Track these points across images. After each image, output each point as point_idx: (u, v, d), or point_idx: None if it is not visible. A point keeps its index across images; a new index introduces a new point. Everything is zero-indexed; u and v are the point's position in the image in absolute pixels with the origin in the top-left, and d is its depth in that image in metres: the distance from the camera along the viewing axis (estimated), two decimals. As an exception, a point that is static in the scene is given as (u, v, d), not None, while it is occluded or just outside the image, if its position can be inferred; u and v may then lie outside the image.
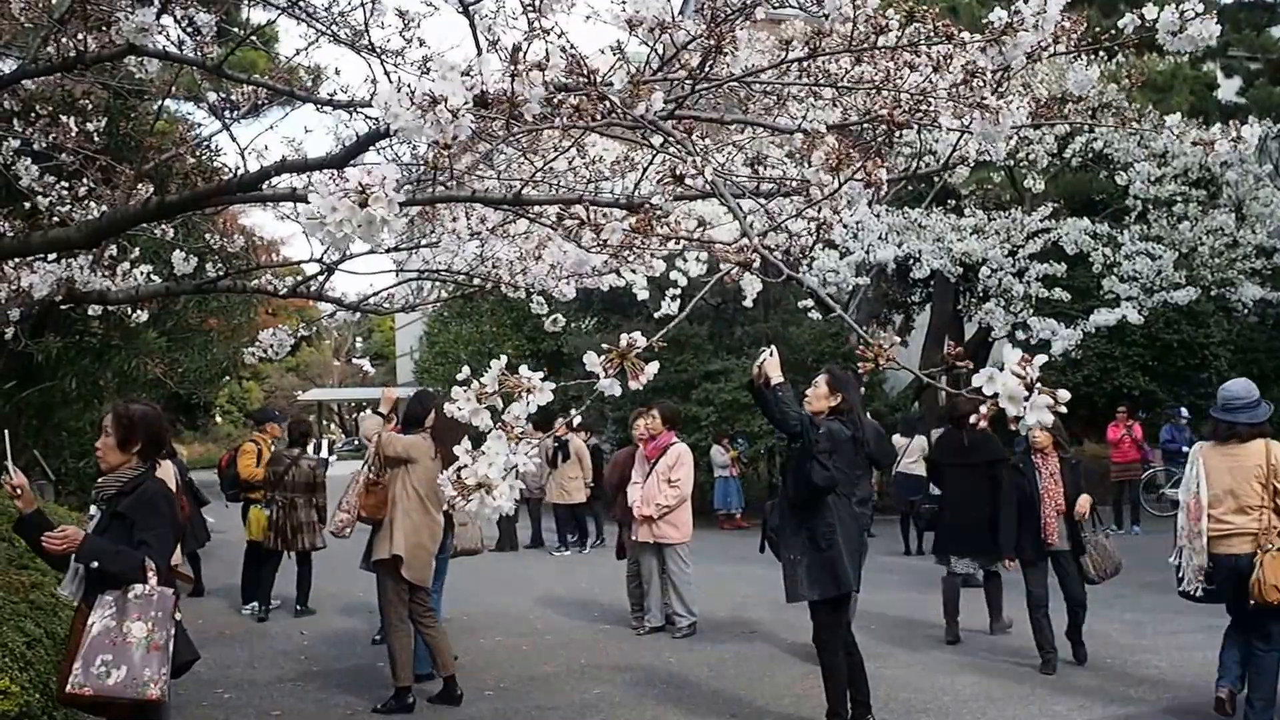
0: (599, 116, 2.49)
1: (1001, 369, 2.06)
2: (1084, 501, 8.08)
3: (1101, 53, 14.56)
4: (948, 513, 9.49)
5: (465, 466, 2.37)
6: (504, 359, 2.56)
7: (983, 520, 8.72)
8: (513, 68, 2.33)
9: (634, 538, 9.78)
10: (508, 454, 2.36)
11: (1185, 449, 18.15)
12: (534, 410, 2.50)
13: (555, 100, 2.46)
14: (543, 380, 2.55)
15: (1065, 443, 8.40)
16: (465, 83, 2.23)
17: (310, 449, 11.85)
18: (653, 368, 2.49)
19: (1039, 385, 1.99)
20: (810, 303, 19.06)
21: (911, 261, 17.42)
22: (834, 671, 6.42)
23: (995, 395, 2.03)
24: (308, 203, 2.29)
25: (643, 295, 7.56)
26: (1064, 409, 2.03)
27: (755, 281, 8.70)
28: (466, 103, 2.21)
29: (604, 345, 2.43)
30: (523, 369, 2.51)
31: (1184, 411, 18.81)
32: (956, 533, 9.20)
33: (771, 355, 6.15)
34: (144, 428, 4.52)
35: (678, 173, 2.49)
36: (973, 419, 2.19)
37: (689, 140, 2.53)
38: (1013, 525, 8.22)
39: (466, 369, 2.60)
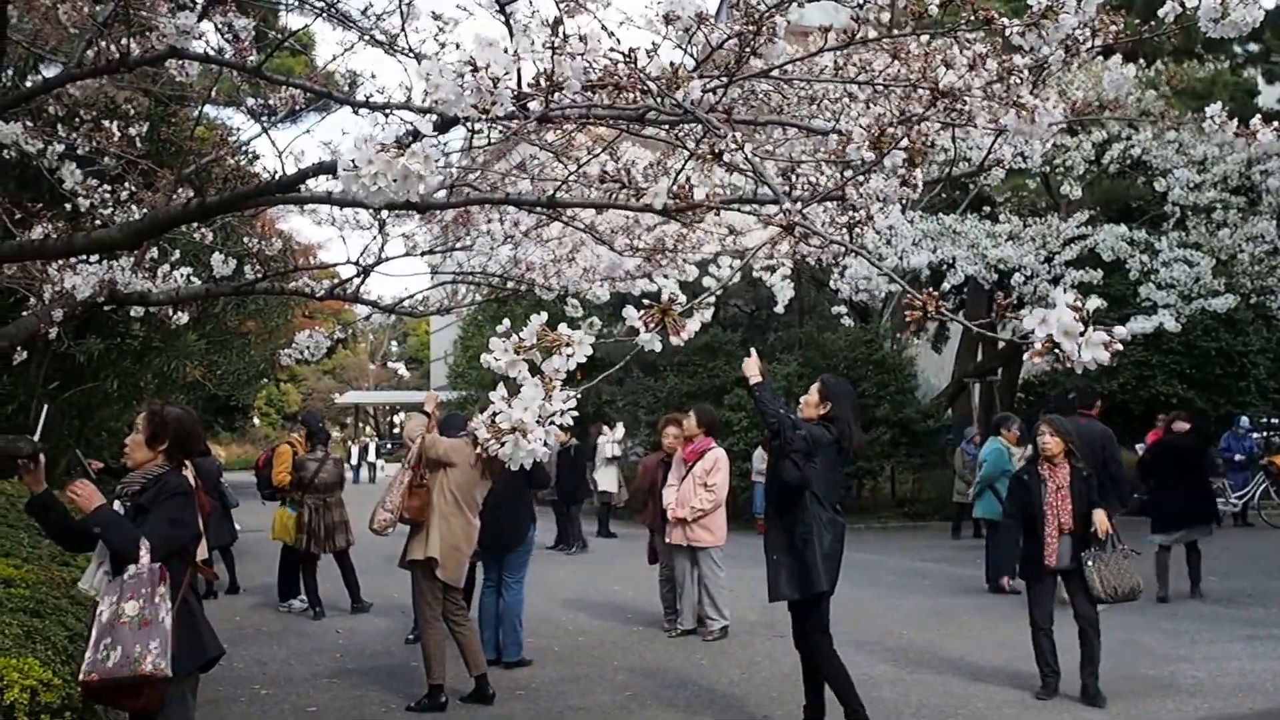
0: (637, 99, 2.50)
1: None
2: (1100, 517, 7.35)
3: (1141, 59, 14.49)
4: (1161, 498, 11.84)
5: (500, 412, 2.37)
6: (544, 315, 2.56)
7: (1188, 504, 11.49)
8: (552, 41, 2.35)
9: (667, 540, 9.81)
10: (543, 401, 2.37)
11: (1240, 457, 18.05)
12: (574, 366, 2.50)
13: (594, 85, 2.47)
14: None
15: (1078, 450, 7.59)
16: (506, 58, 2.26)
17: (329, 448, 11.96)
18: (694, 324, 2.47)
19: (1094, 322, 1.95)
20: (844, 309, 19.03)
21: (945, 268, 17.34)
22: (833, 671, 6.51)
23: (1048, 336, 1.99)
24: (344, 205, 2.33)
25: (676, 300, 7.58)
26: (1120, 346, 1.99)
27: (788, 287, 8.72)
28: (507, 73, 2.23)
29: (645, 301, 2.42)
30: (562, 326, 2.50)
31: (1244, 421, 18.62)
32: (1169, 515, 11.65)
33: (749, 357, 6.50)
34: (175, 429, 4.57)
35: (716, 150, 2.49)
36: (1034, 360, 2.13)
37: (727, 125, 2.54)
38: (1013, 544, 7.86)
39: (506, 321, 2.61)
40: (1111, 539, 7.38)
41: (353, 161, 2.26)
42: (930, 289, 2.14)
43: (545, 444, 2.45)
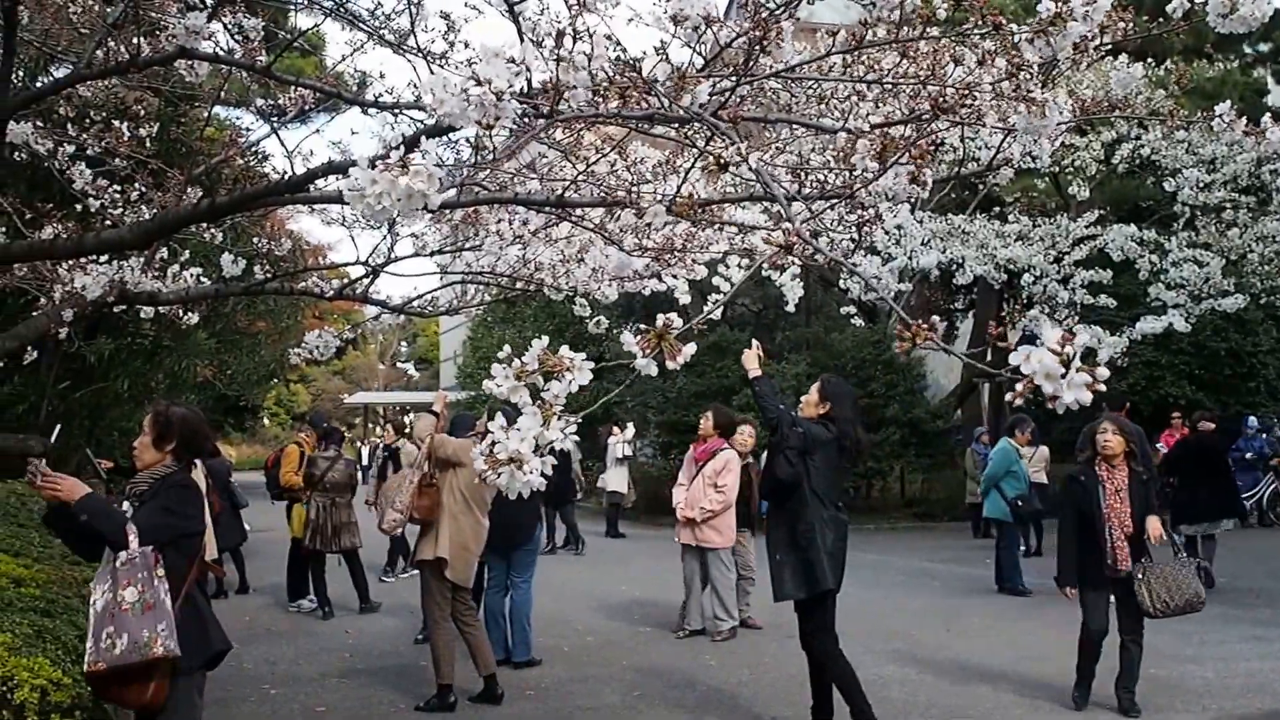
0: (644, 105, 2.51)
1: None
2: (1155, 524, 6.96)
3: (1150, 58, 14.45)
4: (1188, 494, 12.14)
5: (498, 442, 2.39)
6: (544, 339, 2.57)
7: (1215, 499, 12.02)
8: (557, 52, 2.35)
9: (675, 539, 9.81)
10: (541, 430, 2.38)
11: (1250, 455, 18.02)
12: (575, 389, 2.51)
13: (601, 91, 2.48)
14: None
15: (1139, 452, 7.15)
16: (511, 69, 2.26)
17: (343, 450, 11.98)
18: (690, 348, 2.49)
19: (1077, 362, 1.96)
20: (853, 309, 19.02)
21: (955, 268, 17.32)
22: (839, 671, 6.48)
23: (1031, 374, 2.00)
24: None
25: (685, 300, 7.59)
26: (1103, 387, 1.99)
27: (797, 287, 8.72)
28: (511, 87, 2.23)
29: (641, 326, 2.43)
30: (564, 349, 2.52)
31: (1252, 420, 18.57)
32: (1198, 510, 12.07)
33: (749, 348, 6.47)
34: (181, 428, 4.58)
35: (722, 160, 2.50)
36: (1008, 396, 2.16)
37: (734, 130, 2.54)
38: (1071, 550, 7.17)
39: (507, 347, 2.62)
40: (1172, 547, 7.09)
41: (357, 181, 2.27)
42: (921, 313, 2.13)
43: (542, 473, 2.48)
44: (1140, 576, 6.90)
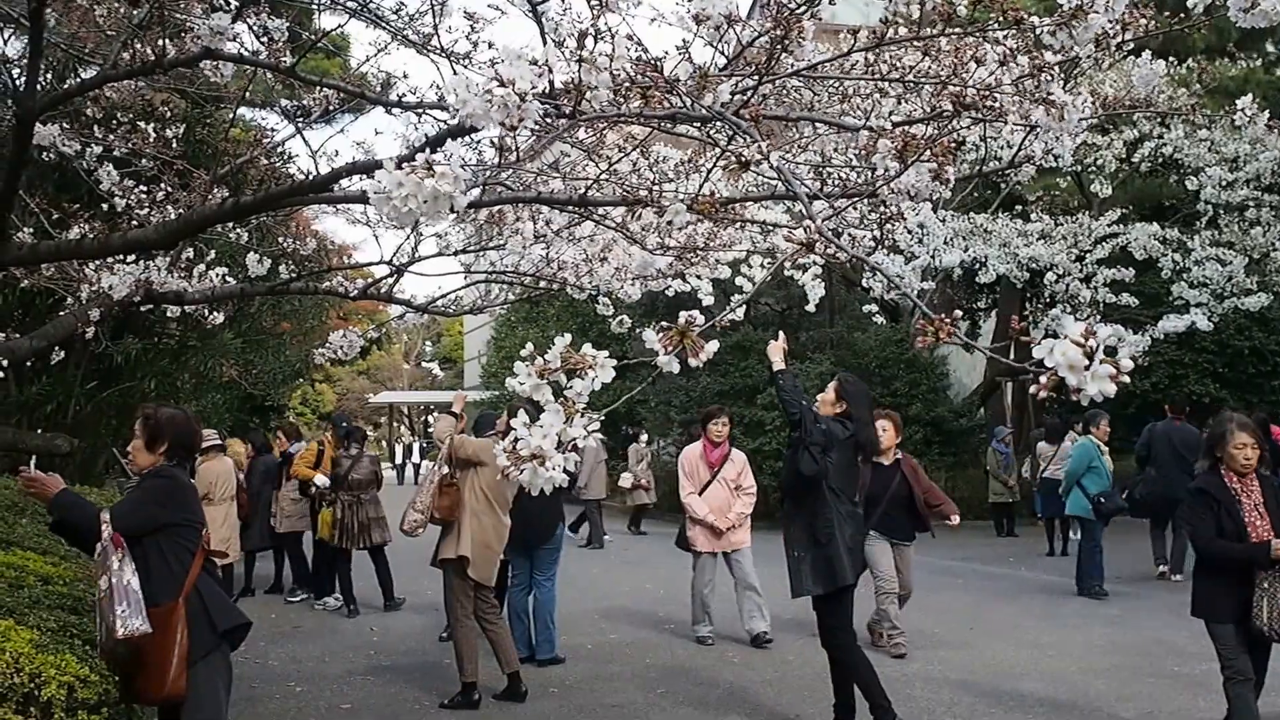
0: (666, 105, 2.53)
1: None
2: None
3: (1172, 56, 14.37)
4: None
5: (520, 439, 2.41)
6: (567, 337, 2.59)
7: None
8: (579, 53, 2.37)
9: (696, 548, 9.56)
10: (564, 427, 2.40)
11: None
12: (598, 387, 2.52)
13: (622, 91, 2.50)
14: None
15: (1269, 455, 6.11)
16: (533, 70, 2.28)
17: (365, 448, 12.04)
18: (712, 346, 2.50)
19: (1100, 355, 1.95)
20: (875, 308, 18.99)
21: (977, 267, 17.29)
22: (857, 667, 6.50)
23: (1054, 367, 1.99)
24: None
25: (708, 300, 7.60)
26: (1126, 379, 1.98)
27: (819, 286, 8.73)
28: (534, 88, 2.25)
29: (663, 324, 2.45)
30: (586, 347, 2.54)
31: None
32: None
33: (775, 340, 6.52)
34: (170, 430, 4.65)
35: (743, 158, 2.51)
36: (1031, 390, 2.15)
37: (755, 129, 2.56)
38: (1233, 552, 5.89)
39: (530, 345, 2.64)
40: None
41: (383, 184, 2.29)
42: (944, 312, 2.13)
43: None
44: (1265, 586, 5.83)
